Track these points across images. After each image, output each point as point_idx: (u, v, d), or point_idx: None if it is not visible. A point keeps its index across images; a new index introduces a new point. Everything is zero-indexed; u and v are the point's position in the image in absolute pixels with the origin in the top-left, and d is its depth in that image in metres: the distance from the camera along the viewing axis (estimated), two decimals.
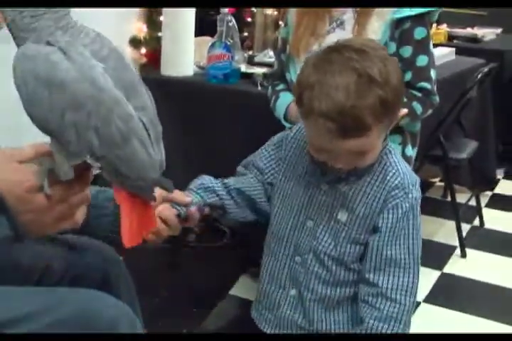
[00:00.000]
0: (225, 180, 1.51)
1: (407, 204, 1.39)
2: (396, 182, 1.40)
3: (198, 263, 2.83)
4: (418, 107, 1.88)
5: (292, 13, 2.00)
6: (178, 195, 1.35)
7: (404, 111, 1.41)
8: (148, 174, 0.92)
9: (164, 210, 1.33)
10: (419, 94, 1.87)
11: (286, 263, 1.50)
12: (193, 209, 1.36)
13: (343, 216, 1.42)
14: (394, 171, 1.41)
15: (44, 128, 0.88)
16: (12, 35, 0.88)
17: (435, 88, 1.92)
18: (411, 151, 1.99)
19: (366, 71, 1.24)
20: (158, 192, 1.00)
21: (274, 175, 1.52)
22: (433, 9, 1.86)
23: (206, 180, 1.49)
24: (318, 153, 1.35)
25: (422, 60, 1.86)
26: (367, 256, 1.42)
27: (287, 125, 1.96)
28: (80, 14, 3.35)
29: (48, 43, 0.87)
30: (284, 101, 1.99)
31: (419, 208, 1.42)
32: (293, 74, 1.97)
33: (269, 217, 1.54)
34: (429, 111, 1.95)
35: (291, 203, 1.48)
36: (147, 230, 1.05)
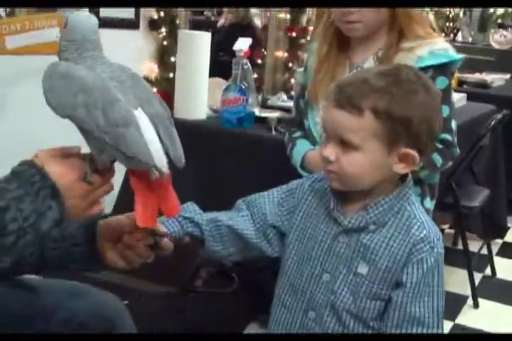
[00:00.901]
0: (216, 214, 1.46)
1: (433, 259, 1.34)
2: (422, 235, 1.34)
3: (205, 310, 2.76)
4: (438, 159, 1.84)
5: (312, 58, 1.97)
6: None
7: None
8: (142, 156, 1.06)
9: (133, 239, 1.28)
10: (440, 146, 1.83)
11: (299, 318, 1.44)
12: (166, 239, 1.30)
13: (363, 269, 1.36)
14: (419, 224, 1.36)
15: (62, 111, 1.09)
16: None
17: (456, 139, 1.88)
18: (429, 203, 1.94)
19: (409, 87, 1.26)
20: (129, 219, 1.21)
21: (282, 221, 1.47)
22: (456, 59, 1.84)
23: (190, 209, 1.44)
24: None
25: (443, 111, 1.82)
26: (388, 314, 1.36)
27: (304, 173, 1.92)
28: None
29: (76, 63, 1.10)
30: (301, 150, 1.95)
31: (443, 264, 1.37)
32: (311, 122, 1.94)
33: (280, 266, 1.49)
34: (449, 164, 1.91)
35: (306, 254, 1.43)
36: (165, 209, 1.15)
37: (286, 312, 1.46)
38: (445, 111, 1.83)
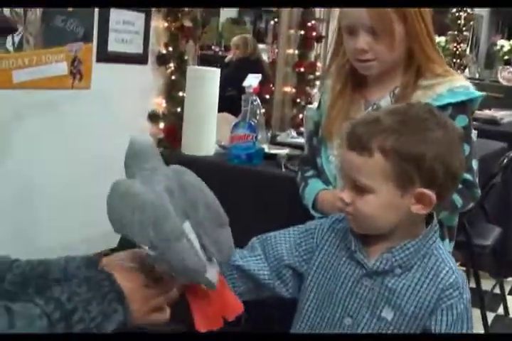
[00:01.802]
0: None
1: (462, 306, 1.28)
2: (451, 280, 1.29)
3: None
4: (458, 200, 1.78)
5: (326, 96, 1.94)
6: None
7: None
8: (194, 269, 1.11)
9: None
10: (460, 186, 1.78)
11: None
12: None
13: (388, 314, 1.31)
14: (447, 268, 1.31)
15: (120, 229, 1.17)
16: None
17: (477, 180, 1.83)
18: (448, 246, 1.88)
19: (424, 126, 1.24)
20: (138, 255, 1.23)
21: (300, 262, 1.42)
22: (476, 96, 1.80)
23: None
24: None
25: (463, 150, 1.78)
26: None
27: (316, 214, 1.87)
28: (104, 89, 3.35)
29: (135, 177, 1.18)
30: (314, 190, 1.90)
31: (471, 310, 1.32)
32: (324, 160, 1.90)
33: (294, 301, 1.44)
34: (470, 205, 1.86)
35: (327, 297, 1.37)
36: (227, 315, 1.17)
37: None
38: (465, 150, 1.78)
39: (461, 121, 1.76)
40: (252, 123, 2.37)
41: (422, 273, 1.30)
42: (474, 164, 1.81)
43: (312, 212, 1.87)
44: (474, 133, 2.85)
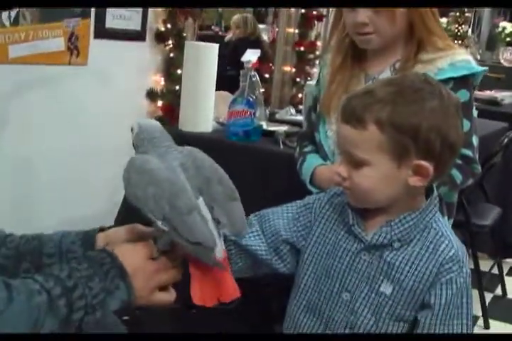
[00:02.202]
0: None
1: (462, 280, 1.27)
2: (450, 254, 1.27)
3: (207, 326, 2.69)
4: (458, 175, 1.76)
5: (325, 70, 1.91)
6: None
7: None
8: (206, 241, 1.14)
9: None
10: (460, 162, 1.76)
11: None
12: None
13: (387, 288, 1.29)
14: (447, 242, 1.29)
15: (136, 203, 1.18)
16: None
17: (477, 156, 1.81)
18: (447, 223, 1.87)
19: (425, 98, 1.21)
20: (134, 231, 1.28)
21: (297, 237, 1.40)
22: (478, 71, 1.77)
23: None
24: None
25: (464, 125, 1.75)
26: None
27: (313, 190, 1.85)
28: (102, 66, 3.31)
29: (150, 153, 1.22)
30: (311, 165, 1.88)
31: (470, 284, 1.30)
32: (322, 135, 1.87)
33: (290, 279, 1.42)
34: (470, 181, 1.83)
35: (325, 271, 1.36)
36: (222, 298, 1.18)
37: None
38: (466, 125, 1.75)
39: (463, 95, 1.73)
40: (251, 99, 2.35)
41: (422, 246, 1.28)
42: (475, 140, 1.78)
43: (309, 187, 1.86)
44: (475, 112, 2.82)
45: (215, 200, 1.19)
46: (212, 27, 7.66)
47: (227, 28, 6.93)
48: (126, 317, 2.81)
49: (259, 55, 2.39)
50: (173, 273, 1.20)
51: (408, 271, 1.28)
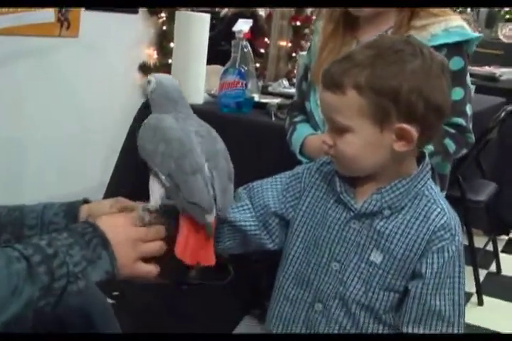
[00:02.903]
0: None
1: (454, 248, 1.23)
2: (442, 221, 1.24)
3: (198, 302, 2.67)
4: (451, 145, 1.72)
5: (317, 37, 1.87)
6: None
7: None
8: (202, 202, 1.18)
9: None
10: (452, 131, 1.72)
11: (304, 310, 1.34)
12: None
13: (377, 257, 1.26)
14: (439, 210, 1.25)
15: (145, 157, 1.22)
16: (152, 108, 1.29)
17: (471, 125, 1.77)
18: (439, 191, 1.84)
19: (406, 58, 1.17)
20: (118, 204, 1.27)
21: (286, 208, 1.37)
22: (472, 37, 1.73)
23: None
24: None
25: (457, 93, 1.70)
26: (406, 307, 1.25)
27: (303, 159, 1.81)
28: (93, 38, 3.25)
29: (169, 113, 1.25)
30: (301, 135, 1.84)
31: (463, 253, 1.26)
32: (313, 104, 1.83)
33: (280, 255, 1.39)
34: (464, 151, 1.80)
35: (313, 241, 1.33)
36: (201, 260, 1.22)
37: (289, 305, 1.36)
38: (459, 93, 1.71)
39: (457, 62, 1.69)
40: (242, 70, 2.30)
41: (413, 214, 1.25)
42: (468, 109, 1.74)
43: (299, 156, 1.82)
44: (472, 87, 2.79)
45: (216, 171, 1.23)
46: None
47: None
48: (115, 293, 2.80)
49: (251, 24, 2.34)
50: (157, 243, 1.19)
51: (399, 240, 1.25)
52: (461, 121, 1.72)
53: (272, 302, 1.40)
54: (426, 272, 1.23)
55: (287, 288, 1.36)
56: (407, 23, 1.71)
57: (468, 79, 1.76)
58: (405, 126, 1.18)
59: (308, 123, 1.87)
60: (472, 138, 1.78)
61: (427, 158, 1.29)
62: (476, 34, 1.76)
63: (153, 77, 1.28)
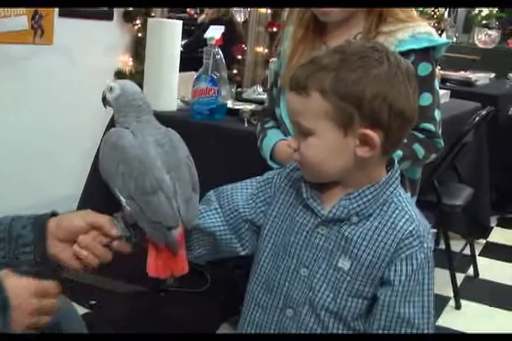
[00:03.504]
0: None
1: (423, 255, 1.22)
2: (410, 228, 1.23)
3: (176, 309, 2.66)
4: (420, 150, 1.72)
5: (286, 43, 1.87)
6: (107, 225, 1.25)
7: None
8: (167, 221, 1.19)
9: (88, 239, 1.25)
10: (421, 136, 1.72)
11: (275, 317, 1.32)
12: (118, 241, 1.26)
13: (345, 264, 1.25)
14: (407, 217, 1.24)
15: (106, 178, 1.22)
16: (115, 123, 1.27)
17: (440, 130, 1.77)
18: (409, 198, 1.83)
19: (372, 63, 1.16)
20: (88, 217, 1.25)
21: (257, 213, 1.35)
22: (439, 43, 1.73)
23: None
24: None
25: (425, 99, 1.70)
26: (375, 314, 1.24)
27: (274, 165, 1.81)
28: (67, 46, 3.23)
29: (126, 128, 1.23)
30: (272, 140, 1.84)
31: (433, 259, 1.25)
32: (283, 110, 1.83)
33: (251, 262, 1.37)
34: (433, 156, 1.80)
35: (282, 248, 1.31)
36: (174, 272, 1.23)
37: (260, 311, 1.34)
38: (427, 99, 1.71)
39: (425, 68, 1.70)
40: (215, 76, 2.30)
41: (381, 221, 1.24)
42: (437, 114, 1.74)
43: (270, 163, 1.82)
44: (446, 93, 2.79)
45: (179, 182, 1.21)
46: (188, 9, 7.56)
47: (202, 11, 6.84)
48: (92, 302, 2.78)
49: (222, 31, 2.33)
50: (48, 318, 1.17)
51: (366, 246, 1.23)
52: (429, 126, 1.72)
53: (244, 309, 1.39)
54: (394, 280, 1.22)
55: (258, 293, 1.35)
56: (375, 29, 1.71)
57: (437, 84, 1.77)
58: (368, 131, 1.17)
59: (278, 129, 1.86)
60: (441, 143, 1.78)
61: (396, 164, 1.28)
62: (444, 40, 1.76)
63: (116, 84, 1.26)
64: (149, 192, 1.18)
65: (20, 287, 1.13)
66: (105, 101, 1.27)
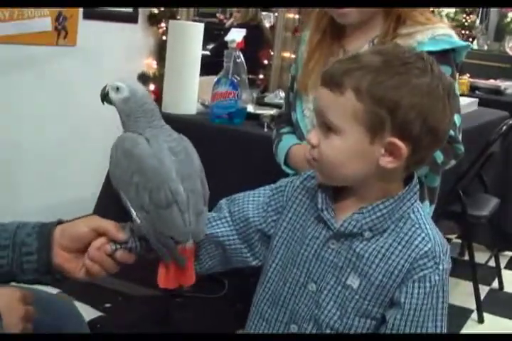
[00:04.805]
0: None
1: (437, 278, 1.15)
2: (426, 249, 1.16)
3: (191, 315, 2.63)
4: (439, 155, 1.66)
5: (303, 47, 1.83)
6: (112, 229, 1.21)
7: None
8: (178, 236, 1.17)
9: (95, 248, 1.21)
10: None
11: (279, 331, 1.27)
12: (121, 251, 1.22)
13: (354, 281, 1.18)
14: (423, 235, 1.17)
15: (117, 186, 1.17)
16: (123, 127, 1.21)
17: (460, 136, 1.71)
18: (428, 208, 1.77)
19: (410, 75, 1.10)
20: (91, 223, 1.22)
21: (268, 223, 1.30)
22: (460, 45, 1.68)
23: None
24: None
25: None
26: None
27: (288, 171, 1.76)
28: (91, 48, 3.23)
29: (139, 134, 1.17)
30: (286, 145, 1.80)
31: (448, 282, 1.18)
32: (299, 115, 1.79)
33: (260, 273, 1.32)
34: (452, 162, 1.74)
35: (291, 260, 1.26)
36: (182, 282, 1.22)
37: (265, 325, 1.29)
38: None
39: (444, 71, 1.65)
40: (235, 80, 2.26)
41: (395, 238, 1.17)
42: (457, 119, 1.69)
43: (284, 167, 1.78)
44: (474, 101, 2.72)
45: (191, 193, 1.18)
46: (217, 14, 7.56)
47: (231, 15, 6.83)
48: (107, 305, 2.75)
49: (244, 34, 2.30)
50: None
51: (377, 265, 1.17)
52: (450, 131, 1.67)
53: (248, 321, 1.34)
54: (405, 302, 1.15)
55: (264, 306, 1.30)
56: (393, 31, 1.67)
57: (457, 88, 1.72)
58: (397, 141, 1.11)
59: (294, 135, 1.83)
60: (461, 149, 1.72)
61: (415, 178, 1.22)
62: (464, 42, 1.71)
63: (123, 84, 1.19)
64: (163, 205, 1.14)
65: (7, 294, 1.15)
66: (107, 98, 1.21)
